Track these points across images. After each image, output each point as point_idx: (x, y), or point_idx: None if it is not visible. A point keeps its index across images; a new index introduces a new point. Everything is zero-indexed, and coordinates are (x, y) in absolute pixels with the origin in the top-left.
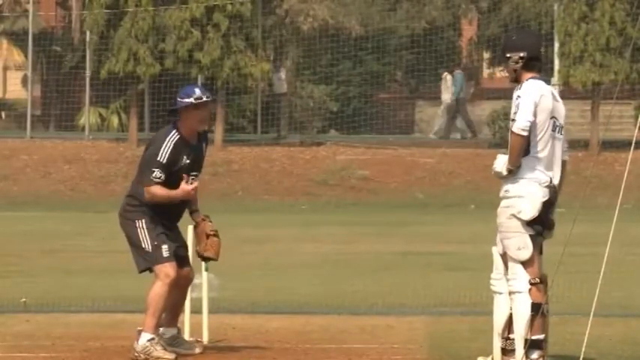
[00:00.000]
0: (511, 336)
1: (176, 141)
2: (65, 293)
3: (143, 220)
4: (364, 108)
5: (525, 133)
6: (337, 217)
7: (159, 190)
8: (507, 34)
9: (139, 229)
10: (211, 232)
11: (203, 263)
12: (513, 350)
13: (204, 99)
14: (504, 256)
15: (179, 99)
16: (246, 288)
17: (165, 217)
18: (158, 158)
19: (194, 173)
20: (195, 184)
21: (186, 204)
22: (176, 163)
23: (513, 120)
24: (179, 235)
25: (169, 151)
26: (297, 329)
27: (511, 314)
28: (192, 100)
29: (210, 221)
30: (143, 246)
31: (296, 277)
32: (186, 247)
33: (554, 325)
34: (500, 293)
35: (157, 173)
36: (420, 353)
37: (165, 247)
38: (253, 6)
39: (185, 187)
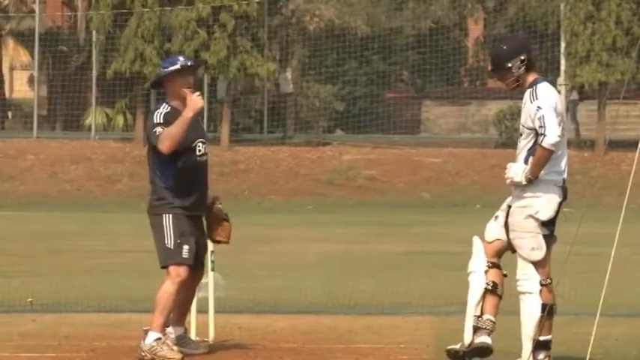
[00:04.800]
0: (484, 316)
1: (167, 111)
2: (71, 293)
3: (170, 216)
4: (370, 108)
5: (554, 149)
6: (343, 217)
7: (167, 131)
8: (494, 49)
9: (164, 225)
10: (222, 217)
11: (210, 263)
12: (483, 328)
13: (189, 64)
14: (492, 244)
15: (163, 68)
16: (253, 288)
17: (190, 199)
18: (155, 121)
19: (200, 140)
20: (198, 94)
21: (203, 179)
22: (168, 125)
23: (541, 134)
24: (202, 234)
25: (162, 116)
26: (304, 329)
27: (485, 293)
28: (177, 66)
29: (220, 204)
30: (165, 241)
31: (302, 277)
32: (206, 247)
33: (560, 324)
34: (475, 272)
35: (159, 129)
36: (426, 353)
37: (186, 247)
38: (259, 6)
39: (191, 98)
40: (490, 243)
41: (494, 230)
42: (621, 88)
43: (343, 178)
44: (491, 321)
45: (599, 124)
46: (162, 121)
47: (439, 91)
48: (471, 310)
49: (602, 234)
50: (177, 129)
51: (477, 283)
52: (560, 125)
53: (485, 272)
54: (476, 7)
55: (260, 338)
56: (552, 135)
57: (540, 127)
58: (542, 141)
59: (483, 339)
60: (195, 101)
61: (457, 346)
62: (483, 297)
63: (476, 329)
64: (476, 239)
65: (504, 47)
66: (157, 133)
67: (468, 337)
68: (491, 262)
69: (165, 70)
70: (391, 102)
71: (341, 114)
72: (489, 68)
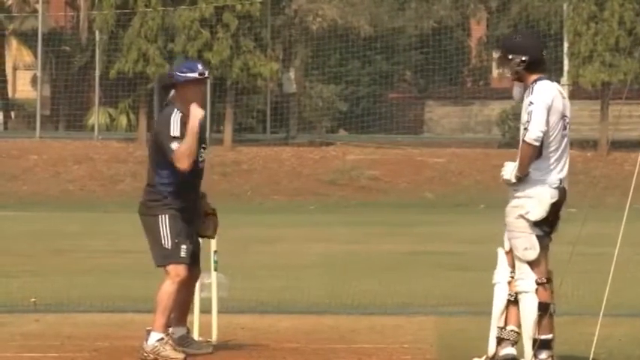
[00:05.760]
0: (507, 327)
1: (180, 117)
2: (74, 293)
3: (166, 216)
4: (373, 108)
5: (537, 144)
6: (346, 217)
7: (182, 147)
8: (510, 34)
9: (160, 225)
10: (210, 211)
11: (212, 263)
12: (507, 339)
13: (207, 74)
14: (510, 253)
15: (180, 73)
16: (255, 288)
17: (185, 202)
18: (171, 134)
19: (202, 146)
20: (201, 111)
21: (199, 183)
22: (183, 137)
23: (525, 129)
24: (195, 234)
25: (179, 124)
26: (307, 329)
27: (509, 304)
28: (196, 74)
29: (207, 201)
30: (162, 242)
31: (305, 277)
32: (199, 245)
33: (563, 324)
34: (498, 283)
35: (175, 144)
36: (429, 353)
37: (184, 246)
38: (262, 6)
39: (193, 108)
40: (508, 253)
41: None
42: (624, 88)
43: (346, 178)
44: (515, 332)
45: (602, 124)
46: (179, 134)
47: (442, 91)
48: (495, 321)
49: (605, 234)
50: (190, 142)
51: (501, 294)
52: (558, 124)
53: (509, 283)
54: (478, 7)
55: (263, 338)
56: (534, 130)
57: (527, 121)
58: (524, 135)
59: (508, 351)
60: (196, 112)
61: (482, 359)
62: (507, 308)
63: (500, 340)
64: (500, 250)
65: (516, 39)
66: (174, 149)
67: (492, 348)
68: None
69: (184, 75)
70: (394, 102)
71: (344, 114)
72: (499, 54)
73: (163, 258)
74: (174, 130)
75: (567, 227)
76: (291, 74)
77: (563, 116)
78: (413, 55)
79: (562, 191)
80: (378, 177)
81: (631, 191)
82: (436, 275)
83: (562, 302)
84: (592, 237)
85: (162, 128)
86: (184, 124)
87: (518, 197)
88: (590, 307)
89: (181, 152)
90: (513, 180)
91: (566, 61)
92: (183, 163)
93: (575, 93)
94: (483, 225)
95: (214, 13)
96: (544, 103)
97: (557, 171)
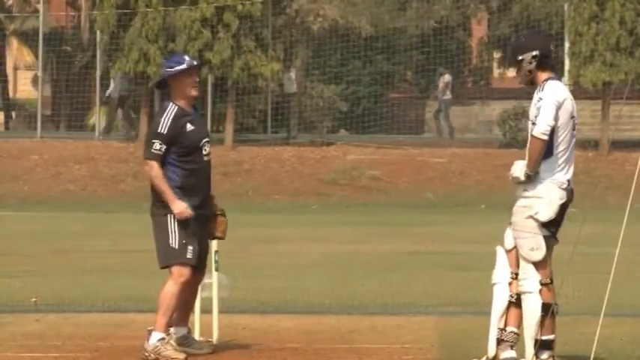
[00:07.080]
0: (507, 329)
1: (175, 112)
2: (75, 293)
3: (175, 215)
4: (374, 108)
5: (546, 137)
6: (347, 217)
7: (156, 171)
8: (515, 37)
9: (169, 224)
10: (218, 212)
11: (213, 263)
12: (507, 341)
13: (195, 63)
14: (512, 252)
15: (169, 68)
16: (256, 288)
17: (196, 197)
18: (159, 130)
19: (206, 140)
20: (188, 212)
21: (209, 176)
22: (180, 132)
23: (534, 124)
24: (205, 235)
25: (170, 122)
26: (308, 329)
27: (509, 305)
28: (184, 66)
29: (215, 199)
30: (170, 241)
31: (306, 277)
32: (207, 249)
33: (564, 325)
34: (498, 283)
35: (157, 145)
36: (430, 353)
37: (191, 248)
38: (263, 6)
39: (181, 208)
40: (510, 251)
41: (511, 237)
42: (625, 88)
43: (347, 178)
44: (514, 333)
45: (603, 123)
46: (165, 131)
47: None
48: (495, 322)
49: (606, 234)
50: (157, 184)
51: (501, 295)
52: (568, 124)
53: (510, 284)
54: (479, 7)
55: (263, 338)
56: (542, 124)
57: (535, 116)
58: (532, 130)
59: (508, 354)
60: (178, 209)
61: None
62: (507, 309)
63: (499, 342)
64: (499, 249)
65: (522, 39)
66: (152, 150)
67: (491, 349)
68: (516, 273)
69: (172, 69)
70: (395, 102)
71: (345, 114)
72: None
73: (169, 258)
74: (163, 127)
75: (568, 227)
76: (292, 74)
77: (572, 116)
78: (414, 55)
79: (570, 192)
80: (379, 177)
81: (632, 191)
82: (437, 275)
83: (563, 302)
84: (593, 237)
85: (155, 121)
86: (179, 117)
87: (526, 197)
88: (591, 307)
89: (152, 167)
90: (522, 178)
91: (567, 61)
92: (146, 167)
93: (576, 93)
94: (484, 225)
95: (215, 13)
96: (554, 99)
97: (565, 172)
